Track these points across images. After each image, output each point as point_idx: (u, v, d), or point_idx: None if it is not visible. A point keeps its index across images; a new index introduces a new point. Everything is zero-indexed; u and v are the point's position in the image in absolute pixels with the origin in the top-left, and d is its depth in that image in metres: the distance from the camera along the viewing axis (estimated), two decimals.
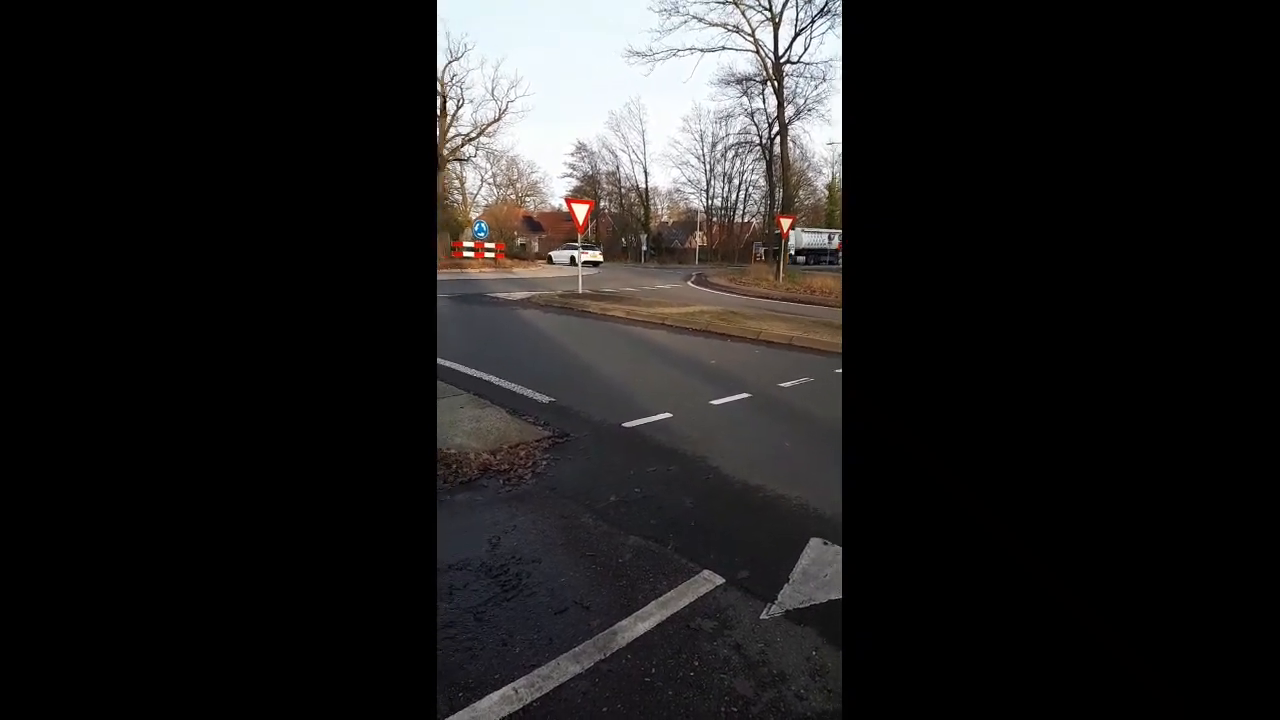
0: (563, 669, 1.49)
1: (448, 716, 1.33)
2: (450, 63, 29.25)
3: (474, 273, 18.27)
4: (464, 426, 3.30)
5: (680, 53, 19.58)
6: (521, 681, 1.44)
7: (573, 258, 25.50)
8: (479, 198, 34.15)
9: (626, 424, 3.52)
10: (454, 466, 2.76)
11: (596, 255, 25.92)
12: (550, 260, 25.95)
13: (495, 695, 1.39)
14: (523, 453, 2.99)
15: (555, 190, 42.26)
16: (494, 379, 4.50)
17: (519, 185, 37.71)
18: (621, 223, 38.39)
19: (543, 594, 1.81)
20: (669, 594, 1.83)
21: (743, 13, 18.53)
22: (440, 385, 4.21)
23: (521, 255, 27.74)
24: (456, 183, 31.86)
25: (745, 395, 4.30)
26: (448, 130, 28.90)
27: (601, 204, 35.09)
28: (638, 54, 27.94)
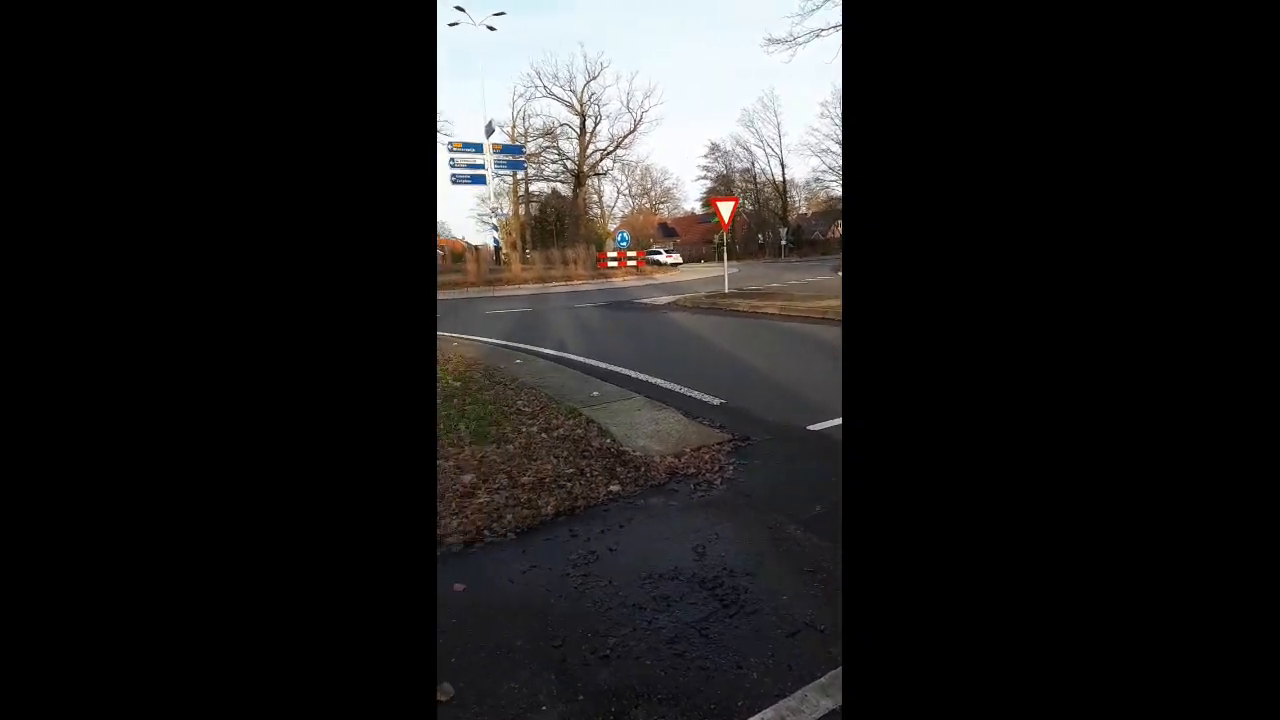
0: (813, 703, 1.32)
1: None
2: (588, 83, 30.90)
3: (618, 281, 19.00)
4: (644, 429, 3.29)
5: (824, 32, 18.31)
6: (769, 713, 1.30)
7: (658, 261, 26.99)
8: (615, 209, 35.57)
9: (811, 427, 3.26)
10: (641, 469, 2.73)
11: (676, 258, 27.76)
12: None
13: None
14: (706, 456, 2.88)
15: (689, 194, 42.72)
16: (659, 381, 4.48)
17: (653, 193, 38.63)
18: (758, 219, 37.59)
19: (767, 612, 1.66)
20: None
21: None
22: (613, 389, 4.28)
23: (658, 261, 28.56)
24: (595, 197, 33.50)
25: None
26: (586, 147, 30.47)
27: None
28: (777, 41, 26.22)
